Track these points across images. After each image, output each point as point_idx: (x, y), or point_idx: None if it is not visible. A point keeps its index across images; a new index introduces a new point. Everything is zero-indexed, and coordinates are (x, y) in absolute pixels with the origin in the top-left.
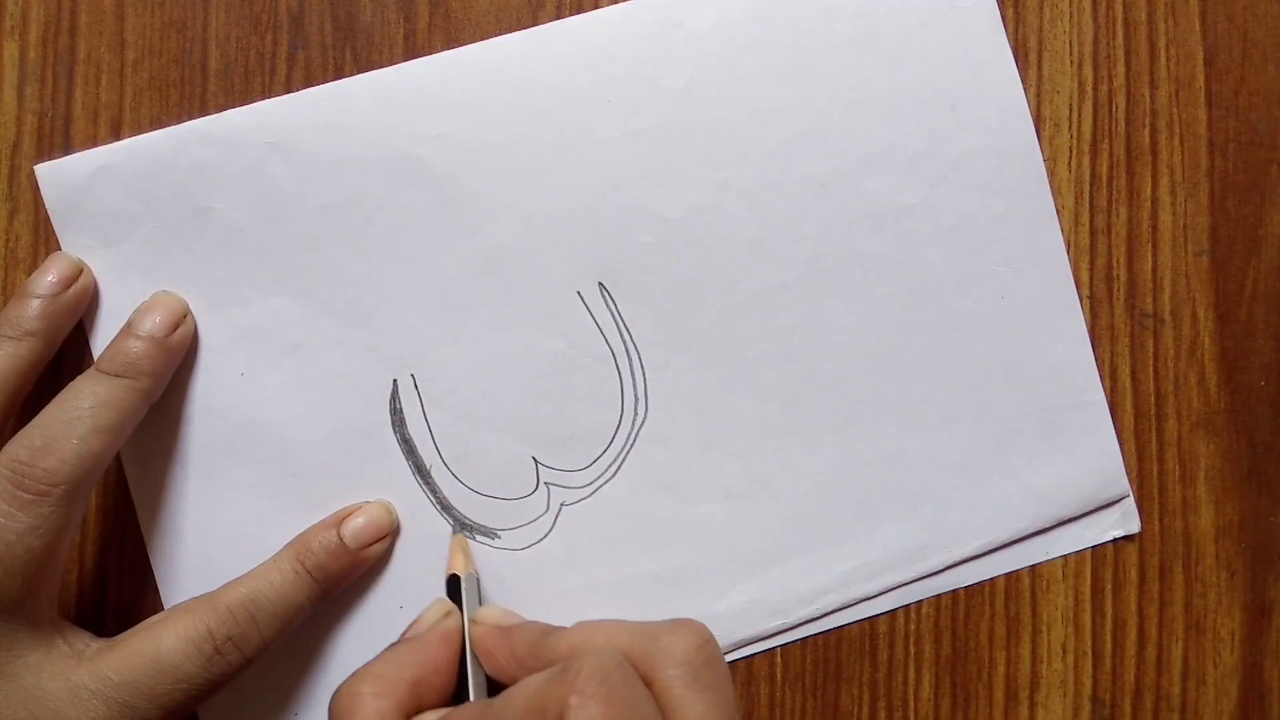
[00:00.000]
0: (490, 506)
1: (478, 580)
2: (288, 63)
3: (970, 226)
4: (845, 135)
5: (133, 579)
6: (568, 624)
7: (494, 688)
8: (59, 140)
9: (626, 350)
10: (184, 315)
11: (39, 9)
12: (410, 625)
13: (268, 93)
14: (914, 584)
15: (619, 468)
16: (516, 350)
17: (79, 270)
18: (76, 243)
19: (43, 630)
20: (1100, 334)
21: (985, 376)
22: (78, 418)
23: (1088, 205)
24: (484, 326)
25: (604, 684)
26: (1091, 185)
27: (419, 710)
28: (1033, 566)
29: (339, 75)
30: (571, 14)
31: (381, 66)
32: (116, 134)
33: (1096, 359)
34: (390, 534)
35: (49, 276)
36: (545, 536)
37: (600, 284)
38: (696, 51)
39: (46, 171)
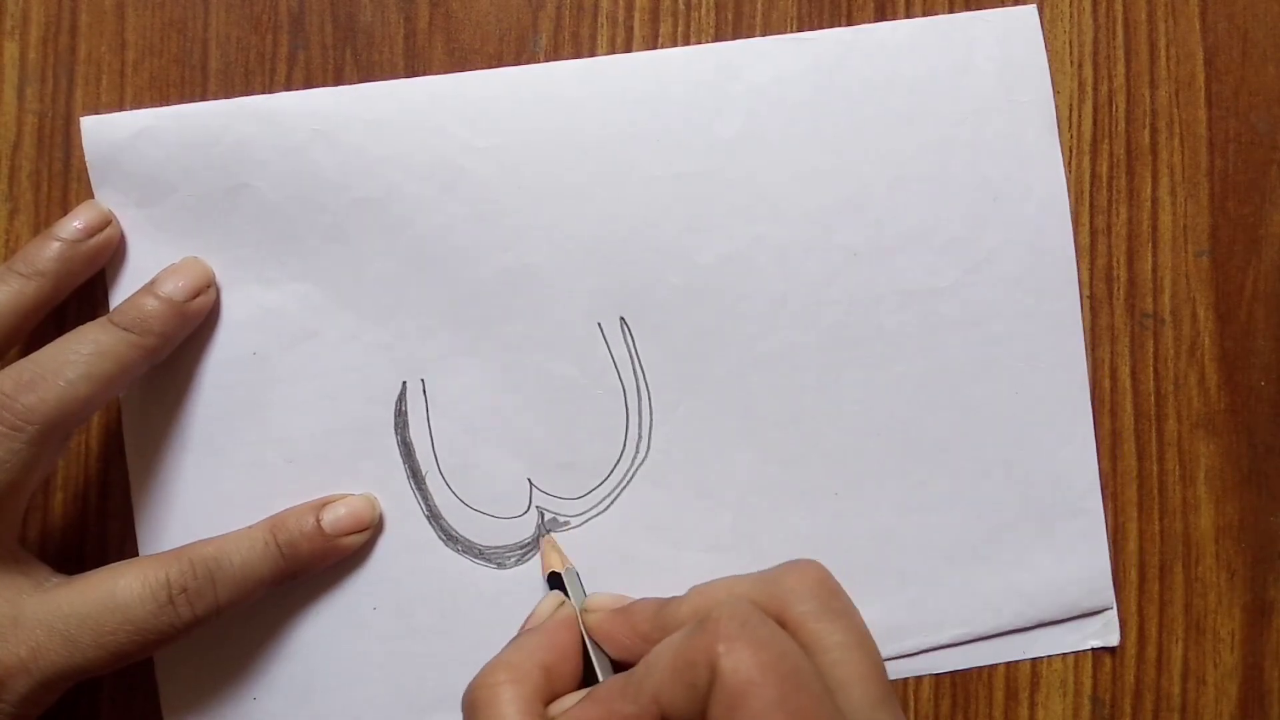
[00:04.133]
0: (478, 521)
1: (577, 573)
2: (288, 63)
3: (995, 318)
4: (885, 209)
5: (119, 537)
6: None
7: (619, 670)
8: (59, 140)
9: (638, 388)
10: (208, 285)
11: (39, 9)
12: (527, 619)
13: (268, 93)
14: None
15: (612, 503)
16: (529, 371)
17: (106, 221)
18: (111, 200)
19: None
20: (1100, 334)
21: (988, 468)
22: (72, 361)
23: (1088, 205)
24: (501, 343)
25: (745, 627)
26: (1091, 185)
27: (553, 696)
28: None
29: (339, 75)
30: (571, 15)
31: (382, 66)
32: None
33: (1096, 359)
34: (369, 528)
35: (75, 222)
36: (530, 560)
37: (622, 318)
38: (751, 105)
39: (91, 125)
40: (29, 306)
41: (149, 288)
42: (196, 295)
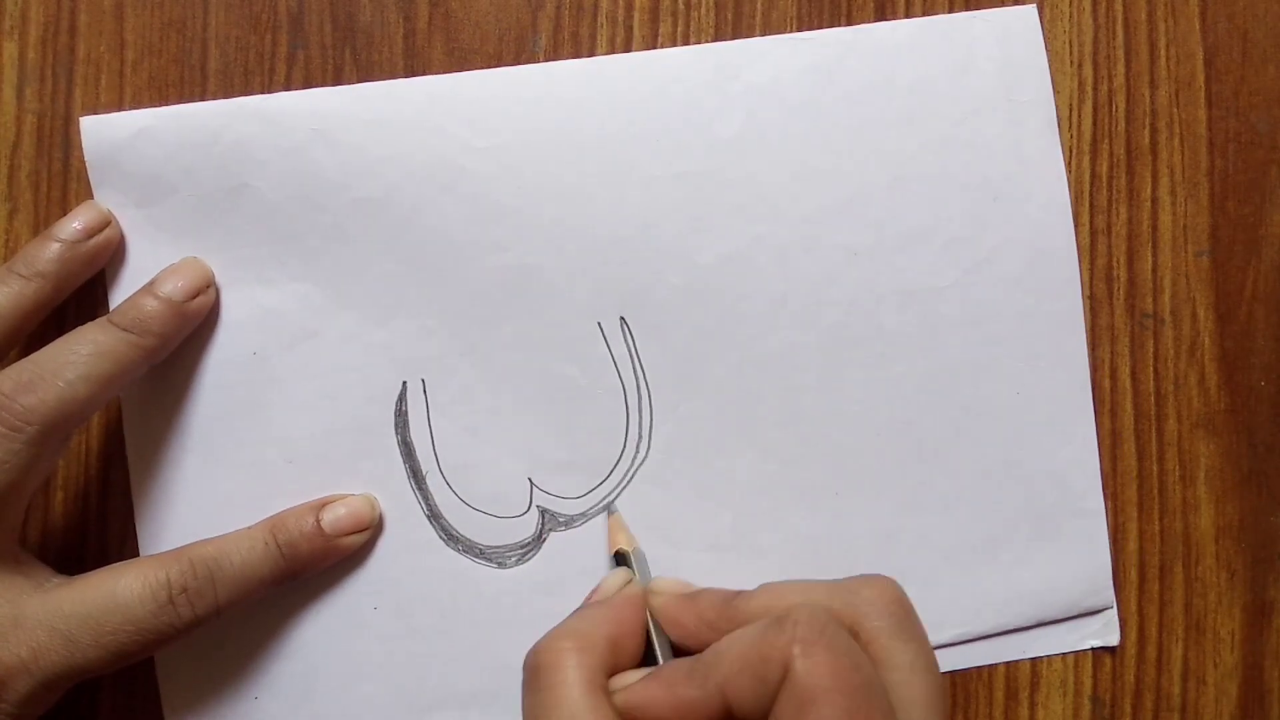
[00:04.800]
0: (479, 521)
1: (644, 554)
2: (287, 63)
3: (996, 318)
4: (885, 209)
5: (119, 537)
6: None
7: (679, 654)
8: (59, 140)
9: (638, 387)
10: (207, 285)
11: (39, 9)
12: (592, 593)
13: (267, 93)
14: None
15: (613, 502)
16: (530, 371)
17: (106, 222)
18: (110, 200)
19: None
20: (1100, 334)
21: (988, 468)
22: (71, 361)
23: (1088, 205)
24: (501, 343)
25: (824, 634)
26: (1091, 185)
27: (615, 670)
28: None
29: (339, 75)
30: (571, 15)
31: (381, 66)
32: None
33: (1096, 359)
34: (369, 528)
35: (75, 223)
36: (530, 559)
37: (622, 318)
38: (750, 105)
39: (91, 125)
40: (29, 308)
41: (148, 288)
42: (196, 295)
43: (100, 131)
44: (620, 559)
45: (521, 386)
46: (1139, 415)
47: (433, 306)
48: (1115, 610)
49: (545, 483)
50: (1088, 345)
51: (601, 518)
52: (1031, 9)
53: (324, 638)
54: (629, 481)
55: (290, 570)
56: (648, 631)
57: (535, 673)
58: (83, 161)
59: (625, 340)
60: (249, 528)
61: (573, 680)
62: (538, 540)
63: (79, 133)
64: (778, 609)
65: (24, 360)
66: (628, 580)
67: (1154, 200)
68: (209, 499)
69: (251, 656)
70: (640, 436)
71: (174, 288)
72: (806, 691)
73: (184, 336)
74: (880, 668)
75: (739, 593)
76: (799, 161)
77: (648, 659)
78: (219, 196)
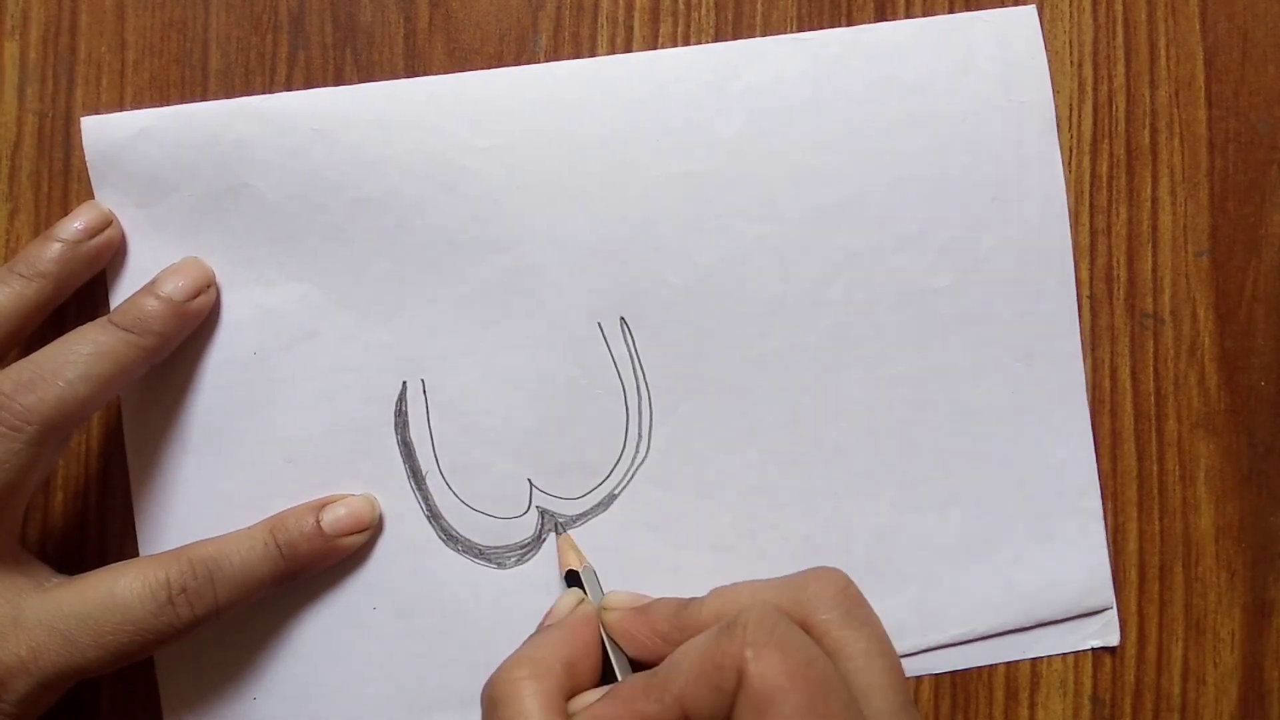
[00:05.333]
0: (479, 522)
1: (595, 571)
2: (288, 63)
3: (993, 318)
4: (884, 210)
5: (119, 537)
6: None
7: (637, 669)
8: (59, 140)
9: (638, 387)
10: (208, 285)
11: (39, 9)
12: (546, 616)
13: (268, 93)
14: None
15: (612, 502)
16: (530, 371)
17: (107, 222)
18: (111, 200)
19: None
20: (1100, 334)
21: (985, 468)
22: (71, 361)
23: (1088, 205)
24: (501, 342)
25: (773, 632)
26: (1091, 185)
27: (574, 693)
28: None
29: (339, 75)
30: (571, 15)
31: (382, 66)
32: None
33: (1096, 359)
34: (369, 529)
35: (76, 223)
36: (529, 560)
37: (622, 318)
38: (751, 105)
39: (91, 125)
40: (30, 308)
41: (149, 288)
42: (196, 295)
43: (101, 131)
44: (571, 579)
45: (521, 387)
46: (1139, 415)
47: (433, 306)
48: (1115, 610)
49: (545, 483)
50: (1088, 345)
51: (601, 518)
52: (1031, 9)
53: (323, 638)
54: (629, 482)
55: (290, 570)
56: (603, 649)
57: (493, 705)
58: (83, 161)
59: (625, 340)
60: (249, 528)
61: (531, 709)
62: (537, 541)
63: (80, 133)
64: (728, 613)
65: (24, 360)
66: (579, 600)
67: (1154, 200)
68: (209, 499)
69: (251, 657)
70: (640, 436)
71: (174, 287)
72: (763, 693)
73: (184, 336)
74: (836, 659)
75: (690, 601)
76: (799, 162)
77: (606, 677)
78: (219, 196)
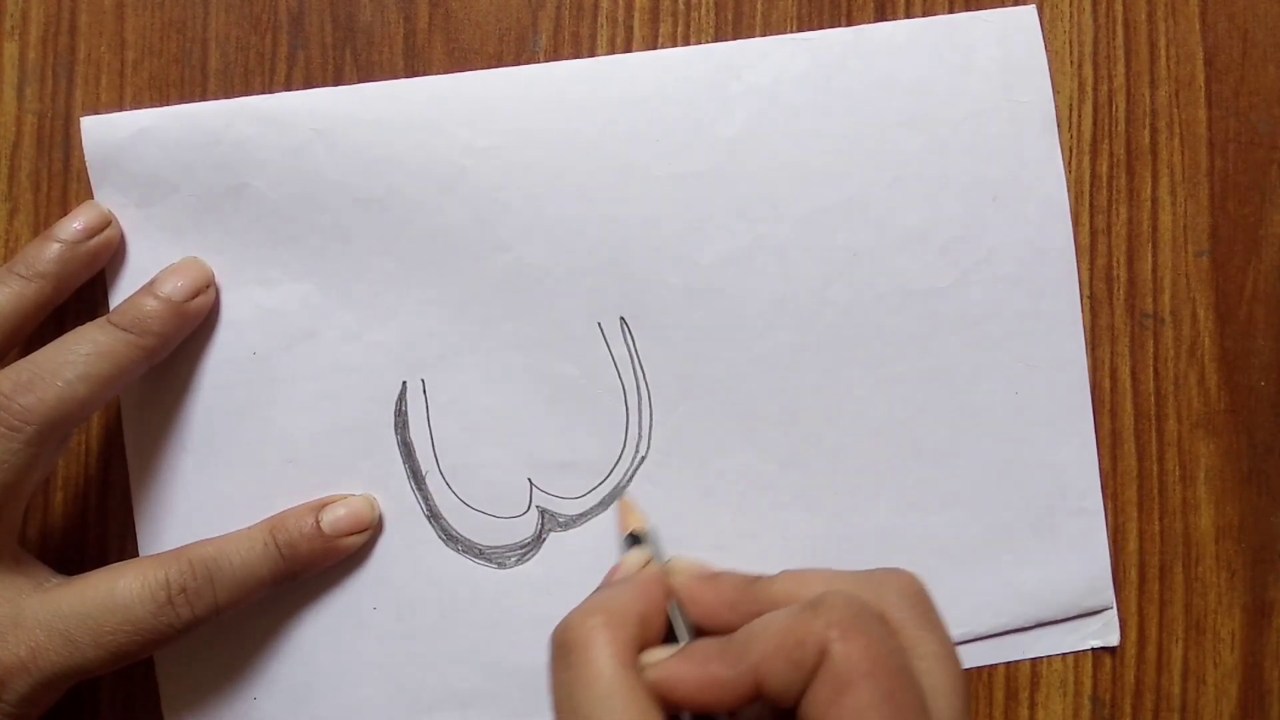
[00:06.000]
0: (479, 521)
1: (656, 534)
2: (288, 63)
3: (994, 318)
4: (885, 210)
5: (119, 537)
6: (532, 649)
7: (698, 635)
8: (59, 140)
9: (638, 387)
10: (207, 285)
11: (39, 9)
12: (612, 571)
13: (268, 93)
14: None
15: (613, 502)
16: (530, 371)
17: (106, 222)
18: (110, 200)
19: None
20: (1100, 334)
21: (987, 468)
22: (70, 361)
23: (1088, 205)
24: (501, 342)
25: (859, 618)
26: (1091, 185)
27: (644, 647)
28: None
29: (339, 75)
30: (572, 15)
31: (381, 66)
32: None
33: (1096, 359)
34: (369, 529)
35: (75, 223)
36: (529, 559)
37: (622, 318)
38: (751, 105)
39: (91, 125)
40: (29, 308)
41: (148, 288)
42: (196, 295)
43: (100, 131)
44: (634, 540)
45: (522, 386)
46: (1139, 415)
47: (433, 306)
48: (1115, 610)
49: (545, 483)
50: (1088, 345)
51: (601, 518)
52: (1031, 9)
53: (323, 638)
54: (628, 482)
55: (290, 571)
56: (667, 611)
57: (565, 649)
58: (83, 161)
59: (625, 340)
60: (248, 528)
61: (605, 657)
62: (537, 540)
63: (79, 133)
64: (803, 595)
65: (23, 360)
66: (646, 560)
67: (1154, 200)
68: (209, 499)
69: (250, 657)
70: (640, 436)
71: (174, 287)
72: (844, 675)
73: (184, 336)
74: (908, 656)
75: (758, 577)
76: (800, 162)
77: (666, 639)
78: (219, 196)
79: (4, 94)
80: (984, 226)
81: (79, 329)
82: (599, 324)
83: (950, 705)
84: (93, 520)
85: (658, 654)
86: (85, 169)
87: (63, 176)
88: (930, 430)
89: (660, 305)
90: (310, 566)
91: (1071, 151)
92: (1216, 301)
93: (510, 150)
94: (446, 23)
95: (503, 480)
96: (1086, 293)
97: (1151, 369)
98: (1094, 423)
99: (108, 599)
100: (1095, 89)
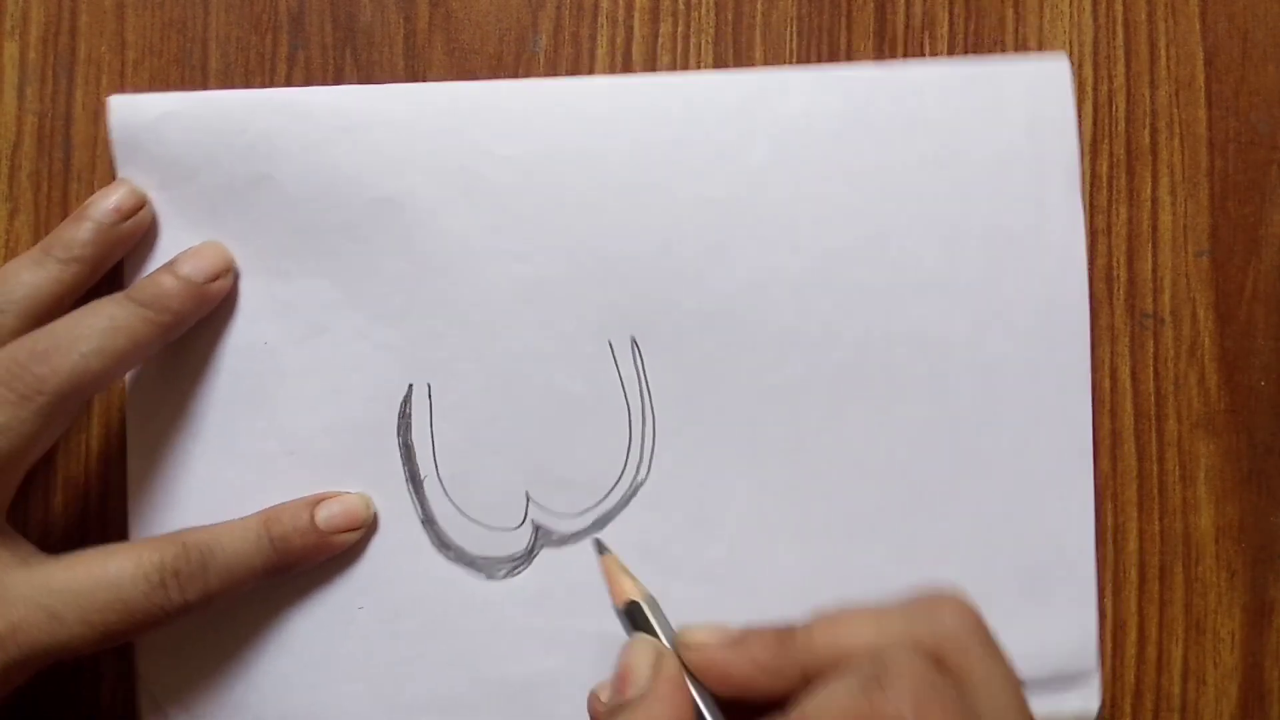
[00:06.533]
0: (472, 530)
1: (657, 601)
2: (288, 63)
3: (1005, 370)
4: (904, 252)
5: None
6: (516, 662)
7: (726, 709)
8: (60, 140)
9: (643, 410)
10: (227, 269)
11: (39, 9)
12: (620, 679)
13: None
14: None
15: (607, 523)
16: (536, 383)
17: (141, 203)
18: (133, 180)
19: None
20: (1100, 334)
21: (984, 522)
22: (86, 334)
23: (1088, 205)
24: (510, 352)
25: (935, 689)
26: (1091, 185)
27: None
28: None
29: (339, 75)
30: (571, 16)
31: (381, 66)
32: None
33: (1096, 359)
34: (363, 527)
35: (111, 204)
36: (519, 573)
37: (633, 338)
38: (780, 135)
39: (118, 104)
40: (64, 291)
41: (168, 267)
42: (216, 279)
43: (127, 112)
44: (632, 613)
45: (526, 399)
46: (1139, 415)
47: (444, 311)
48: (1098, 678)
49: (542, 498)
50: (1088, 345)
51: (597, 537)
52: (1063, 62)
53: (308, 634)
54: (626, 504)
55: (281, 563)
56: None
57: None
58: (83, 162)
59: (634, 361)
60: (243, 519)
61: None
62: (529, 555)
63: (80, 133)
64: (849, 645)
65: (40, 330)
66: (658, 653)
67: (1154, 200)
68: (205, 484)
69: (234, 649)
70: (641, 459)
71: (194, 268)
72: None
73: (200, 317)
74: (979, 690)
75: (789, 628)
76: (822, 195)
77: None
78: (240, 186)
79: (4, 94)
80: (1000, 277)
81: (97, 302)
82: (609, 342)
83: None
84: (93, 520)
85: None
86: (85, 169)
87: (63, 176)
88: (931, 478)
89: (672, 328)
90: (302, 561)
91: None
92: (1216, 301)
93: (533, 161)
94: (446, 23)
95: (500, 491)
96: (1086, 293)
97: (1151, 369)
98: (1094, 423)
99: (100, 577)
100: (1095, 89)
